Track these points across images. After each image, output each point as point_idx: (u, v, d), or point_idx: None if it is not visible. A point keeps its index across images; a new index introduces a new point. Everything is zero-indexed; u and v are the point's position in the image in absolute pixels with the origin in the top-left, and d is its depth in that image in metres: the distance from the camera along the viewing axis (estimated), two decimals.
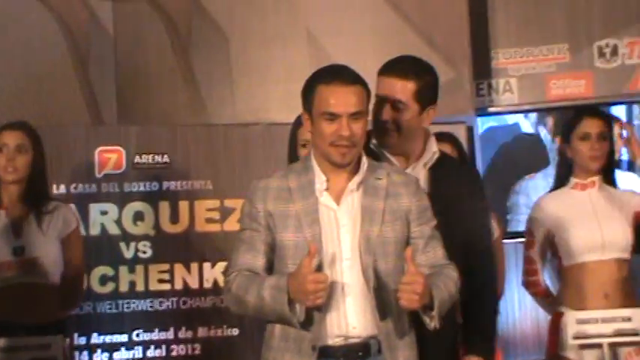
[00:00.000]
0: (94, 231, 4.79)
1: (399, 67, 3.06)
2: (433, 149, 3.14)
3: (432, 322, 2.70)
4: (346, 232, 2.75)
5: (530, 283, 3.81)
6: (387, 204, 2.79)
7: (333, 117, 2.70)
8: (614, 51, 6.00)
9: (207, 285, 4.90)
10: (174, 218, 4.92)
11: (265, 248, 2.79)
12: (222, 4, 5.84)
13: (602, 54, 6.02)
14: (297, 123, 3.72)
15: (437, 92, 3.11)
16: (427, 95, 3.05)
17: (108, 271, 4.81)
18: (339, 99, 2.70)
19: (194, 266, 4.91)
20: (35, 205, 3.83)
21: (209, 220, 4.96)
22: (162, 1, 5.81)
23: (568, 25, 6.00)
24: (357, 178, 2.78)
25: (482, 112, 6.05)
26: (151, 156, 4.94)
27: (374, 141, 3.13)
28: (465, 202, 3.09)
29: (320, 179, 2.77)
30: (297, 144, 3.74)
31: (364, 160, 2.82)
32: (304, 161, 2.87)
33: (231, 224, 4.84)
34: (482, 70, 6.00)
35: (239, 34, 5.82)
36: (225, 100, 5.78)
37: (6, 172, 3.81)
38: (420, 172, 3.10)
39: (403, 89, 3.02)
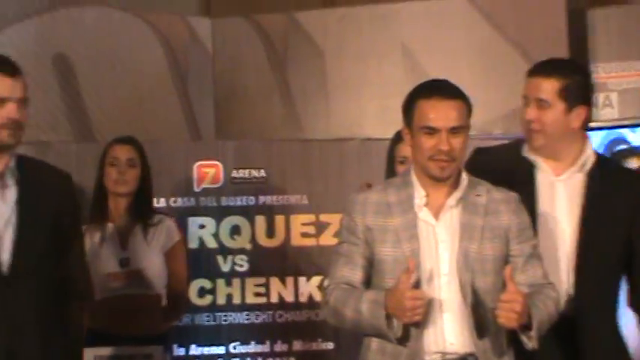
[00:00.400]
0: (193, 244, 4.86)
1: (544, 66, 3.02)
2: (588, 152, 3.07)
3: (530, 342, 2.67)
4: (445, 248, 2.74)
5: None
6: (487, 221, 2.77)
7: (432, 131, 2.70)
8: None
9: (303, 299, 4.93)
10: (271, 232, 4.97)
11: (363, 262, 2.80)
12: (318, 20, 5.89)
13: None
14: (395, 139, 3.72)
15: (589, 92, 3.05)
16: (575, 94, 2.98)
17: (206, 283, 4.88)
18: (439, 113, 2.70)
19: (289, 280, 4.94)
20: (141, 217, 3.92)
21: (304, 235, 4.99)
22: (260, 18, 5.89)
23: None
24: (457, 194, 2.77)
25: None
26: (247, 171, 5.01)
27: (526, 148, 3.09)
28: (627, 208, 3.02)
29: (419, 194, 2.77)
30: (395, 160, 3.74)
31: (464, 176, 2.80)
32: (404, 176, 2.88)
33: (327, 239, 4.86)
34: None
35: (334, 49, 5.85)
36: (320, 115, 5.81)
37: (117, 184, 3.92)
38: (575, 176, 3.04)
39: (546, 87, 2.98)
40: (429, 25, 5.72)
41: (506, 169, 3.06)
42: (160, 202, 4.81)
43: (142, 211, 3.94)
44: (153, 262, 3.88)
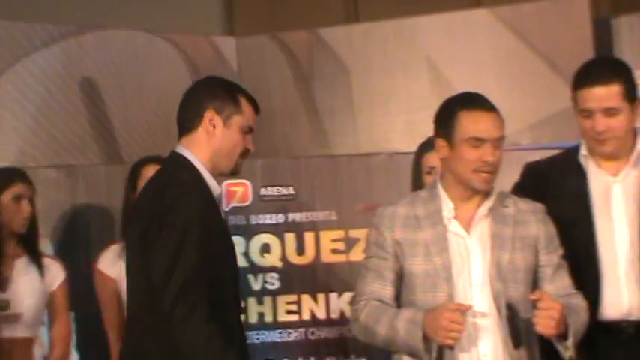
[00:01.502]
0: None
1: (598, 74, 2.98)
2: (638, 147, 3.05)
3: (567, 352, 2.65)
4: (477, 260, 2.74)
5: None
6: (516, 231, 2.77)
7: (479, 142, 2.70)
8: None
9: (334, 315, 4.91)
10: (300, 249, 4.96)
11: (393, 276, 2.80)
12: (342, 36, 5.90)
13: None
14: (422, 150, 3.71)
15: (636, 84, 3.02)
16: (632, 91, 2.97)
17: None
18: (486, 124, 2.70)
19: (321, 297, 4.93)
20: None
21: (334, 251, 4.98)
22: (284, 36, 5.91)
23: None
24: (488, 204, 2.77)
25: None
26: (276, 188, 5.01)
27: (583, 152, 3.07)
28: None
29: (448, 207, 2.77)
30: (421, 171, 3.72)
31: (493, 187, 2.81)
32: (431, 189, 2.87)
33: (356, 254, 4.84)
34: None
35: (360, 64, 5.85)
36: (348, 130, 5.82)
37: None
38: (630, 173, 3.02)
39: (611, 94, 2.95)
40: (453, 38, 5.71)
41: (558, 179, 3.05)
42: None
43: None
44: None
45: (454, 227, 2.76)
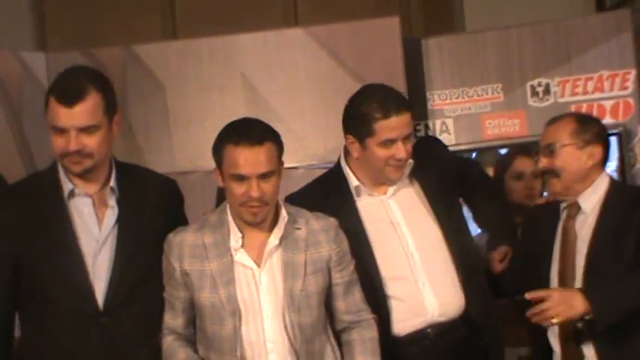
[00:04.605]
0: None
1: (395, 104, 3.04)
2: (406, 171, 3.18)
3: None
4: (266, 291, 2.70)
5: None
6: (308, 255, 2.76)
7: (242, 179, 2.67)
8: (547, 90, 6.10)
9: None
10: None
11: (184, 306, 2.75)
12: (157, 53, 5.83)
13: (534, 93, 6.12)
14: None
15: None
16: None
17: None
18: (248, 160, 2.66)
19: None
20: None
21: None
22: (97, 52, 5.78)
23: (501, 65, 6.09)
24: (278, 233, 2.73)
25: None
26: None
27: (355, 183, 3.09)
28: None
29: (235, 236, 2.72)
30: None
31: (284, 213, 2.77)
32: (220, 214, 2.81)
33: None
34: (418, 111, 6.05)
35: (175, 82, 5.80)
36: (163, 148, 5.74)
37: None
38: (400, 189, 3.09)
39: (408, 122, 3.07)
40: (268, 56, 5.75)
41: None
42: None
43: None
44: None
45: (241, 258, 2.71)
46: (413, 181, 3.17)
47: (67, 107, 2.75)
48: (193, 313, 2.78)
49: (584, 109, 5.98)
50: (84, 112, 2.77)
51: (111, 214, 2.82)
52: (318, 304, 2.77)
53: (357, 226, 3.03)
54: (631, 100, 6.06)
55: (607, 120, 6.09)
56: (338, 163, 3.15)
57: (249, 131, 2.74)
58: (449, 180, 3.17)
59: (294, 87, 5.65)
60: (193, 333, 2.82)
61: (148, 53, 5.81)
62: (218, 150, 2.76)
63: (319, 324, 2.72)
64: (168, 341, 2.76)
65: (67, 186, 2.85)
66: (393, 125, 3.01)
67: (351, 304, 2.84)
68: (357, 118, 3.02)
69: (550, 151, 2.95)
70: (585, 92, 6.09)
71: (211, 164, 5.73)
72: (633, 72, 5.99)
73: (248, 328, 2.67)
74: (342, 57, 5.77)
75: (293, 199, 3.10)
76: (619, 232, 2.89)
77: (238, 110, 5.51)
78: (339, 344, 2.87)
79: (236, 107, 5.61)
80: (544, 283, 2.99)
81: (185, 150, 5.71)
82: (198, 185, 5.08)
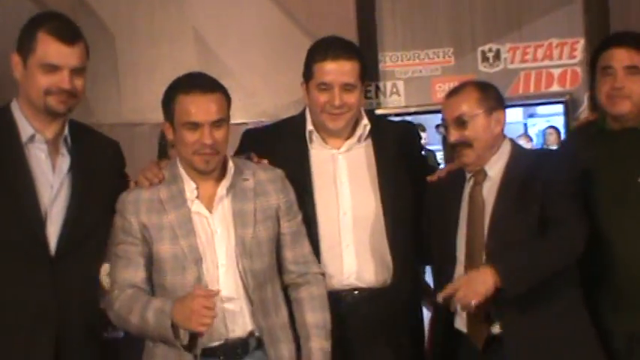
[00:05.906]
0: None
1: (337, 49, 3.00)
2: (362, 124, 3.11)
3: None
4: (220, 239, 2.74)
5: None
6: (257, 204, 2.79)
7: (194, 126, 2.68)
8: (497, 55, 6.16)
9: None
10: None
11: (144, 261, 2.76)
12: (108, 2, 5.76)
13: (485, 58, 6.17)
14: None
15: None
16: (365, 71, 3.02)
17: None
18: (200, 108, 2.66)
19: None
20: None
21: None
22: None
23: (453, 30, 6.13)
24: (225, 183, 2.76)
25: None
26: None
27: (309, 127, 3.09)
28: None
29: (190, 187, 2.74)
30: (167, 144, 3.69)
31: (230, 164, 2.80)
32: (171, 169, 2.83)
33: None
34: (370, 73, 6.07)
35: (125, 33, 5.74)
36: (111, 98, 5.70)
37: None
38: (354, 147, 3.10)
39: (351, 70, 2.94)
40: (221, 11, 5.72)
41: (282, 147, 3.08)
42: None
43: None
44: None
45: (197, 207, 2.74)
46: (370, 146, 3.17)
47: (66, 45, 2.73)
48: (151, 270, 2.79)
49: (532, 76, 6.05)
50: (80, 52, 2.77)
51: (63, 161, 2.81)
52: (269, 252, 2.80)
53: (305, 178, 3.04)
54: (578, 69, 6.14)
55: (555, 88, 6.18)
56: (303, 110, 3.15)
57: (199, 80, 2.74)
58: (408, 163, 3.17)
59: (246, 43, 5.63)
60: (150, 290, 2.83)
61: (99, 2, 5.74)
62: (169, 101, 2.75)
63: (270, 271, 2.75)
64: (129, 293, 2.75)
65: (27, 130, 2.82)
66: (328, 69, 2.98)
67: (298, 254, 2.87)
68: (305, 61, 3.03)
69: (461, 122, 2.97)
70: (535, 59, 6.16)
71: (160, 117, 5.75)
72: (582, 41, 6.07)
73: (205, 278, 2.70)
74: (294, 14, 5.76)
75: (250, 133, 3.14)
76: (523, 194, 2.94)
77: (189, 63, 5.48)
78: (288, 301, 2.90)
79: (186, 60, 5.57)
80: (450, 249, 3.03)
81: (133, 101, 5.67)
82: (146, 137, 5.05)
